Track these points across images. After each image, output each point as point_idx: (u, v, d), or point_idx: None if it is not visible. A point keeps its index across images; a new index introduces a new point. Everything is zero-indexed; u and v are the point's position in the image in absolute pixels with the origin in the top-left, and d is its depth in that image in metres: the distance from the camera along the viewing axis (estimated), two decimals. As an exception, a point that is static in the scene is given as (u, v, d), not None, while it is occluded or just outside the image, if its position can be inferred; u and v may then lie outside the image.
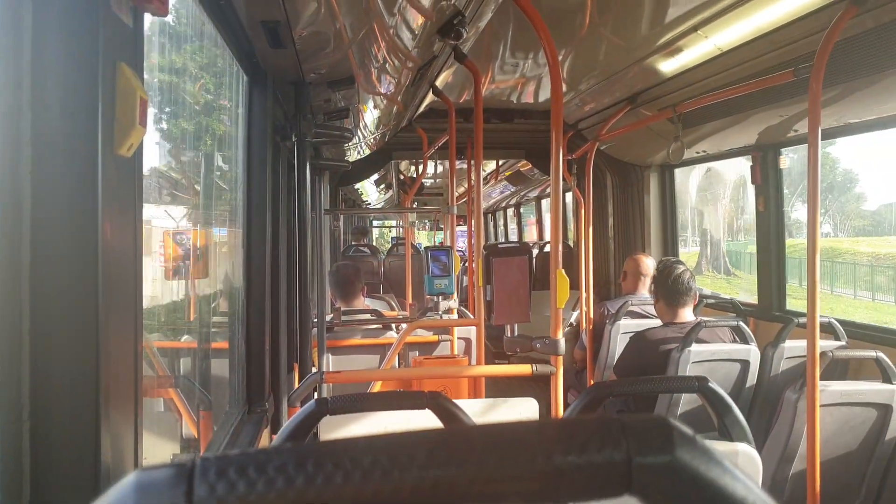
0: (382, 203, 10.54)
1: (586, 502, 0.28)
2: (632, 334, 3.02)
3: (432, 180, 8.62)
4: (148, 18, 0.79)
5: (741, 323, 2.71)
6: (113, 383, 0.69)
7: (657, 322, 3.07)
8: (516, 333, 2.80)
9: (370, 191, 9.01)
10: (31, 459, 0.63)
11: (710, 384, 1.22)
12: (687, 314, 2.81)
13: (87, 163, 0.65)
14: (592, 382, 3.61)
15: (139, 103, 0.68)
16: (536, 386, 3.70)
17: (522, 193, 8.48)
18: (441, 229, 11.29)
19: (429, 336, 3.18)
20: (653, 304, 3.55)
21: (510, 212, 10.10)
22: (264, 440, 1.95)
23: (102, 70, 0.65)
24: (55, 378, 0.65)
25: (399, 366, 2.97)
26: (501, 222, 10.82)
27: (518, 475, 0.28)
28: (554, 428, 0.29)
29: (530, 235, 9.50)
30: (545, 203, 8.20)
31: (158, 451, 1.44)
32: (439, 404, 1.20)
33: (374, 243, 11.44)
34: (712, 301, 3.85)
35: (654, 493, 0.28)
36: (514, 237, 10.05)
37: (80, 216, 0.65)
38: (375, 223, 15.91)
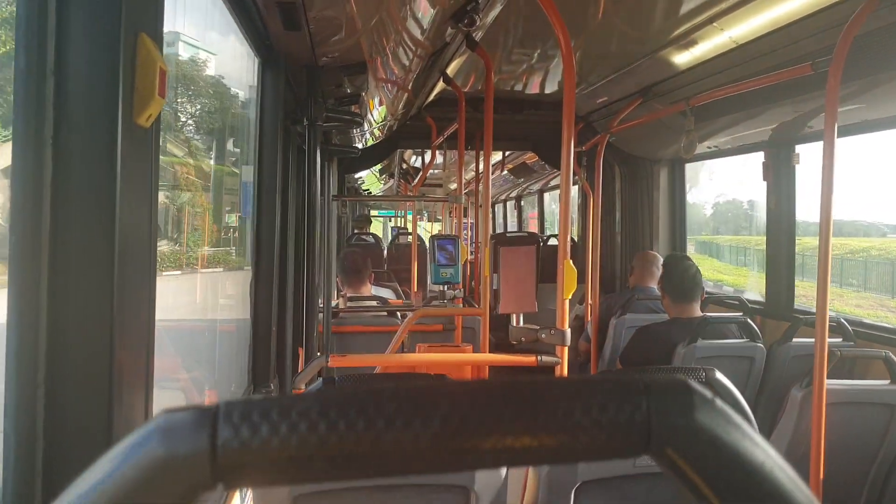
0: (382, 192, 10.52)
1: (603, 461, 0.28)
2: (637, 328, 3.02)
3: (432, 170, 8.59)
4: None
5: (748, 320, 2.70)
6: (126, 352, 0.70)
7: (664, 317, 3.07)
8: (521, 324, 2.80)
9: (372, 181, 8.99)
10: (44, 423, 0.64)
11: (717, 376, 1.21)
12: (693, 310, 2.81)
13: (107, 131, 0.65)
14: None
15: (159, 74, 0.68)
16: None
17: (524, 186, 8.44)
18: (439, 220, 11.26)
19: (433, 325, 3.18)
20: (659, 299, 3.55)
21: (510, 204, 10.07)
22: None
23: (124, 39, 0.65)
24: (70, 346, 0.65)
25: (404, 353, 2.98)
26: (501, 214, 10.80)
27: (537, 430, 0.28)
28: (575, 385, 0.29)
29: (531, 229, 9.47)
30: (547, 196, 8.16)
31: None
32: None
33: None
34: (719, 297, 3.84)
35: (672, 455, 0.28)
36: (513, 230, 10.02)
37: (99, 184, 0.65)
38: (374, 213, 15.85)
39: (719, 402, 0.29)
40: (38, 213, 0.63)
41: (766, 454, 0.28)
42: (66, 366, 0.65)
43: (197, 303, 1.89)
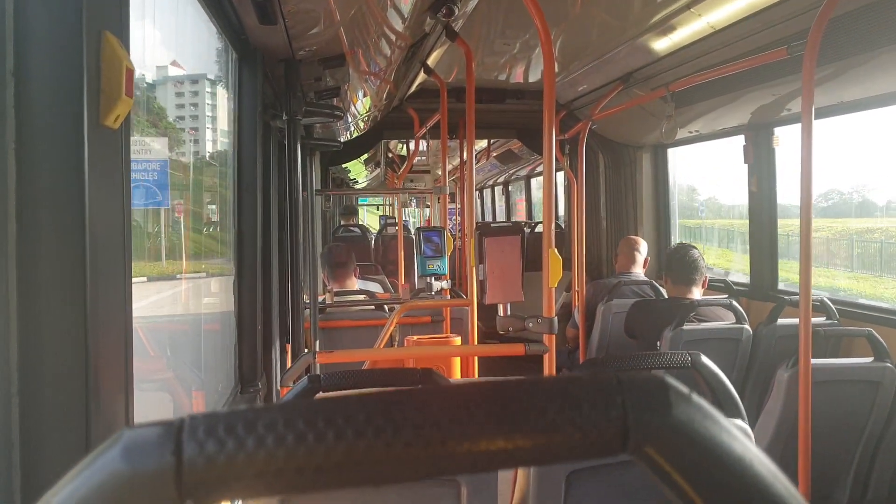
0: (369, 181, 10.44)
1: (582, 461, 0.28)
2: (625, 313, 3.08)
3: (419, 157, 8.55)
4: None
5: (734, 302, 2.73)
6: (103, 358, 0.68)
7: (652, 301, 3.13)
8: (509, 314, 2.81)
9: (358, 170, 8.93)
10: (20, 435, 0.63)
11: (703, 359, 1.22)
12: (694, 294, 2.86)
13: (73, 134, 0.63)
14: (584, 361, 3.64)
15: (125, 73, 0.67)
16: (528, 366, 3.73)
17: (512, 172, 8.43)
18: (428, 206, 11.22)
19: (421, 317, 3.18)
20: (645, 284, 3.59)
21: (498, 190, 10.05)
22: None
23: (87, 38, 0.63)
24: (44, 355, 0.64)
25: (393, 347, 2.97)
26: (489, 200, 10.78)
27: (511, 433, 0.27)
28: (549, 385, 0.28)
29: (519, 214, 9.47)
30: (535, 182, 8.17)
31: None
32: (433, 381, 1.20)
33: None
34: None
35: (651, 453, 0.27)
36: (501, 215, 10.02)
37: (67, 188, 0.64)
38: (361, 201, 15.71)
39: (696, 397, 0.29)
40: (3, 221, 0.61)
41: (745, 447, 0.28)
42: (41, 376, 0.64)
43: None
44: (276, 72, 2.22)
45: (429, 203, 8.79)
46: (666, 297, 3.10)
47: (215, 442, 0.26)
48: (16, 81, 0.61)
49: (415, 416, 0.27)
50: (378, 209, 16.64)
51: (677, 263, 2.90)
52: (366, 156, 6.96)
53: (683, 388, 0.29)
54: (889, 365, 2.07)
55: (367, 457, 0.27)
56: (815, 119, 1.74)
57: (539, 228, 6.58)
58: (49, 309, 0.64)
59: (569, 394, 0.28)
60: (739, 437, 0.28)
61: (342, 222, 8.02)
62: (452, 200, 8.50)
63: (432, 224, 8.72)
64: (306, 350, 2.40)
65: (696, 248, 2.96)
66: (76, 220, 0.64)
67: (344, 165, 8.01)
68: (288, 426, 0.26)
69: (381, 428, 0.27)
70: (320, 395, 1.21)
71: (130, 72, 0.68)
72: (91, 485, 0.26)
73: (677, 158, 4.40)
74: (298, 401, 0.28)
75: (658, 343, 2.69)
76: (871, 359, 2.08)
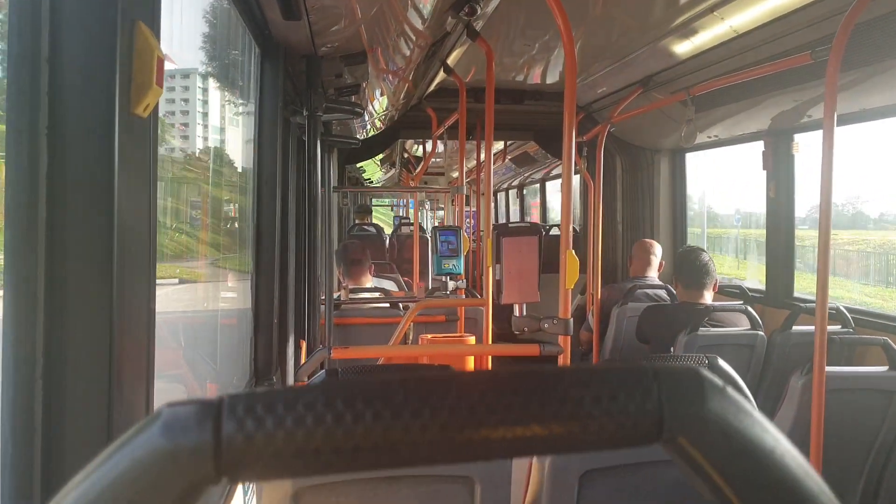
0: (383, 182, 10.48)
1: (614, 449, 0.28)
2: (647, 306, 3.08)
3: (434, 159, 8.56)
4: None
5: (749, 308, 2.71)
6: (126, 345, 0.69)
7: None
8: (524, 314, 2.81)
9: (373, 170, 8.98)
10: (42, 418, 0.64)
11: (720, 363, 1.22)
12: (705, 298, 2.84)
13: (104, 121, 0.64)
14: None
15: (156, 63, 0.68)
16: (541, 368, 3.71)
17: (527, 175, 8.42)
18: (441, 209, 11.25)
19: (436, 315, 3.19)
20: (660, 288, 3.57)
21: (512, 193, 10.04)
22: None
23: (121, 27, 0.64)
24: (69, 340, 0.65)
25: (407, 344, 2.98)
26: (503, 203, 10.76)
27: (546, 419, 0.27)
28: (584, 374, 0.28)
29: (533, 218, 9.44)
30: (549, 185, 8.15)
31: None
32: None
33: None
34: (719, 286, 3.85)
35: (685, 443, 0.28)
36: (515, 219, 10.00)
37: (97, 176, 0.65)
38: (374, 202, 15.75)
39: (730, 390, 0.29)
40: (33, 205, 0.62)
41: (777, 441, 0.28)
42: (65, 360, 0.65)
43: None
44: (298, 67, 2.24)
45: (442, 205, 8.83)
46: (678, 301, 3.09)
47: (254, 420, 0.26)
48: (50, 68, 0.62)
49: (453, 398, 0.27)
50: (391, 209, 16.68)
51: (688, 267, 2.89)
52: (381, 155, 6.99)
53: (718, 381, 0.29)
54: None
55: (404, 438, 0.27)
56: (837, 126, 1.72)
57: (553, 232, 6.57)
58: (76, 294, 0.65)
59: (605, 383, 0.28)
60: (772, 431, 0.29)
61: (357, 221, 8.07)
62: (467, 203, 8.49)
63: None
64: (321, 346, 2.41)
65: (705, 252, 2.94)
66: (106, 206, 0.65)
67: (359, 165, 8.06)
68: (327, 406, 0.26)
69: (419, 411, 0.27)
70: None
71: (161, 61, 0.69)
72: (131, 459, 0.26)
73: (700, 164, 4.38)
74: (337, 382, 0.28)
75: (671, 348, 2.68)
76: (885, 368, 2.06)
